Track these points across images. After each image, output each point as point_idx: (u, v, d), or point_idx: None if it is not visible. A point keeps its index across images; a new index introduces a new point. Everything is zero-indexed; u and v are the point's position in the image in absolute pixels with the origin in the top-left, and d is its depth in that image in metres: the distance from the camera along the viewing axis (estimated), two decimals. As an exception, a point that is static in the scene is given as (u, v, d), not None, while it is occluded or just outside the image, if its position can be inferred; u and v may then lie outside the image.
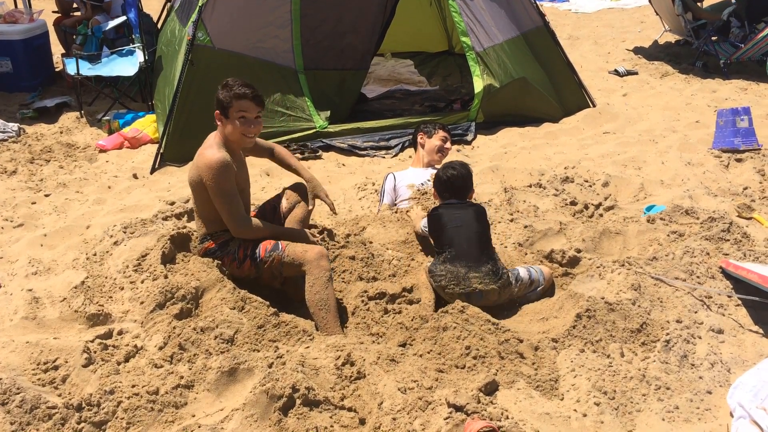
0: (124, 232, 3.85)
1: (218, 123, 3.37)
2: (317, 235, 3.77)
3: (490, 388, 2.66)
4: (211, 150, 3.30)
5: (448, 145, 4.74)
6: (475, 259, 3.38)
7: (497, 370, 2.81)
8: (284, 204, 3.77)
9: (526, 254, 3.79)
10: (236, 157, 3.41)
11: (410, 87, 7.80)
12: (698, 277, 3.44)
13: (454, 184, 3.67)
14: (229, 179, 3.28)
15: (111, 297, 3.37)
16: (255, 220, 3.44)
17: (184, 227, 3.73)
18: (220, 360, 2.73)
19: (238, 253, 3.41)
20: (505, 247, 3.91)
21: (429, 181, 4.41)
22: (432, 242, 3.68)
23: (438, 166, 4.62)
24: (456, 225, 3.49)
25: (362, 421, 2.56)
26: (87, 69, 6.83)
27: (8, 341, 2.96)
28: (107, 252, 3.73)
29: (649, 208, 4.38)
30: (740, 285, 3.38)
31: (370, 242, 3.76)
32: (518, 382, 2.75)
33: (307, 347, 2.94)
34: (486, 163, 5.46)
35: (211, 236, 3.46)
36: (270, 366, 2.69)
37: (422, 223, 3.77)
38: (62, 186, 5.29)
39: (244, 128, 3.32)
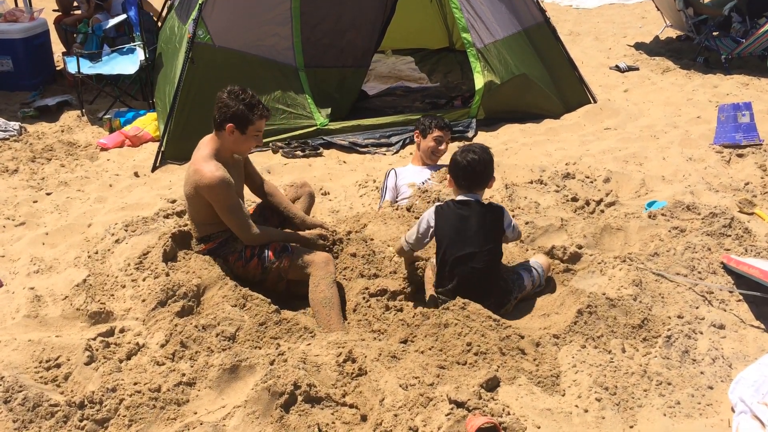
0: (126, 230, 3.86)
1: (228, 135, 3.32)
2: (329, 228, 3.76)
3: (492, 384, 2.66)
4: (208, 167, 3.27)
5: (443, 146, 4.50)
6: (479, 298, 3.19)
7: (498, 367, 2.81)
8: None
9: (527, 251, 3.79)
10: (230, 163, 3.42)
11: (411, 84, 7.78)
12: (700, 272, 3.44)
13: (475, 169, 3.27)
14: (231, 195, 3.31)
15: (113, 295, 3.38)
16: (264, 228, 3.48)
17: (186, 225, 3.73)
18: (222, 357, 2.74)
19: (245, 252, 3.42)
20: (506, 244, 3.91)
21: (429, 180, 4.40)
22: (421, 251, 3.51)
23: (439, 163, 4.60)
24: (461, 253, 3.21)
25: (364, 418, 2.56)
26: (88, 67, 6.83)
27: (10, 339, 2.97)
28: (109, 250, 3.74)
29: (650, 204, 4.38)
30: (742, 280, 3.38)
31: (371, 239, 3.76)
32: (519, 378, 2.75)
33: (309, 344, 2.94)
34: (487, 159, 5.44)
35: (203, 240, 3.50)
36: (271, 363, 2.70)
37: (406, 237, 3.40)
38: (64, 184, 5.30)
39: (255, 143, 3.45)
